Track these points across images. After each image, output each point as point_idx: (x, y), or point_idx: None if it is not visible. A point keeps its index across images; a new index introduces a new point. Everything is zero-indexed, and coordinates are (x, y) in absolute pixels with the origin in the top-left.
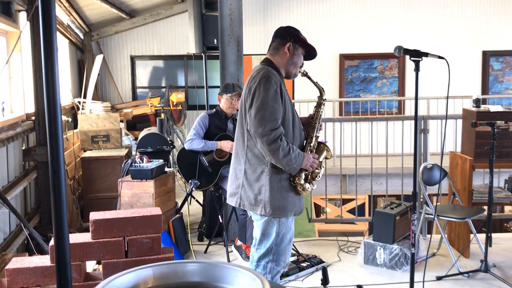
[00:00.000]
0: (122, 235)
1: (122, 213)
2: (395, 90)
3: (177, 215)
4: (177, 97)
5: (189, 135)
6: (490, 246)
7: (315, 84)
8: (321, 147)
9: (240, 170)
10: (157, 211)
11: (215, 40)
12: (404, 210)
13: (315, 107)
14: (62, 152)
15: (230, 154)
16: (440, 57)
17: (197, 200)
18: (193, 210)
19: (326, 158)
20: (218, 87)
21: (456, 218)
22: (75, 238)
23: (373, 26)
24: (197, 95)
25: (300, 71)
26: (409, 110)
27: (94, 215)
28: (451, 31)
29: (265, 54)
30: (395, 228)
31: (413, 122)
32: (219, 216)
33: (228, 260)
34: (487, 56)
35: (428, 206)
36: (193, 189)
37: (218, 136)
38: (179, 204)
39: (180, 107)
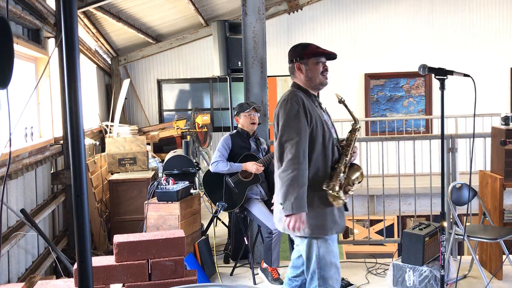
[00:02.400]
0: (145, 258)
1: (146, 236)
2: (422, 108)
3: (203, 237)
4: (202, 119)
5: (214, 158)
6: None
7: (351, 113)
8: (354, 167)
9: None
10: (180, 233)
11: (239, 63)
12: (433, 231)
13: (350, 132)
14: (85, 176)
15: (256, 174)
16: (465, 75)
17: (222, 222)
18: (219, 232)
19: (358, 180)
20: None
21: (487, 238)
22: (100, 261)
23: (398, 44)
24: (222, 117)
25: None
26: (436, 129)
27: (117, 238)
28: (478, 47)
29: (288, 75)
30: (424, 250)
31: (436, 141)
32: (245, 238)
33: (254, 283)
34: None
35: (457, 226)
36: (221, 211)
37: (242, 156)
38: (205, 226)
39: (205, 129)
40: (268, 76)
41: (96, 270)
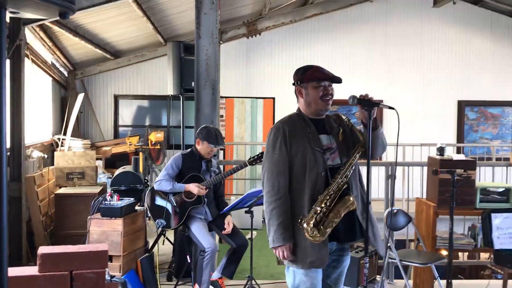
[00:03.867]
0: (68, 269)
1: (70, 248)
2: None
3: (146, 254)
4: (156, 136)
5: (160, 176)
6: None
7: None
8: (345, 198)
9: None
10: (104, 247)
11: (193, 83)
12: (369, 254)
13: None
14: (4, 184)
15: (199, 195)
16: (390, 108)
17: (168, 239)
18: (166, 249)
19: (349, 210)
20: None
21: (419, 263)
22: (23, 271)
23: (351, 73)
24: (179, 135)
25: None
26: (385, 157)
27: (42, 249)
28: (428, 80)
29: (246, 97)
30: (359, 272)
31: (383, 168)
32: (187, 256)
33: None
34: (462, 105)
35: (391, 251)
36: (160, 228)
37: (188, 177)
38: (151, 243)
39: (159, 147)
40: (226, 97)
41: (18, 280)
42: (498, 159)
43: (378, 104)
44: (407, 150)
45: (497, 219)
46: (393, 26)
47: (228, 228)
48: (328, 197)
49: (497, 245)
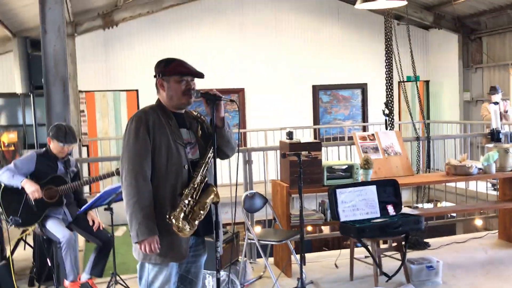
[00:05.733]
0: None
1: None
2: (237, 123)
3: (3, 262)
4: (8, 137)
5: (5, 167)
6: (304, 264)
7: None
8: (209, 189)
9: None
10: None
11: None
12: (229, 237)
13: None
14: None
15: (60, 197)
16: (231, 101)
17: (28, 243)
18: (28, 254)
19: (213, 202)
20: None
21: (275, 241)
22: None
23: (215, 62)
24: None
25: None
26: (249, 142)
27: None
28: (284, 67)
29: (107, 90)
30: (224, 255)
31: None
32: (48, 259)
33: None
34: (316, 89)
35: (250, 232)
36: (13, 226)
37: (49, 178)
38: (9, 250)
39: (13, 148)
40: (85, 91)
41: None
42: (350, 137)
43: (220, 97)
44: (269, 134)
45: (342, 194)
46: (249, 16)
47: (96, 224)
48: (193, 190)
49: (343, 218)
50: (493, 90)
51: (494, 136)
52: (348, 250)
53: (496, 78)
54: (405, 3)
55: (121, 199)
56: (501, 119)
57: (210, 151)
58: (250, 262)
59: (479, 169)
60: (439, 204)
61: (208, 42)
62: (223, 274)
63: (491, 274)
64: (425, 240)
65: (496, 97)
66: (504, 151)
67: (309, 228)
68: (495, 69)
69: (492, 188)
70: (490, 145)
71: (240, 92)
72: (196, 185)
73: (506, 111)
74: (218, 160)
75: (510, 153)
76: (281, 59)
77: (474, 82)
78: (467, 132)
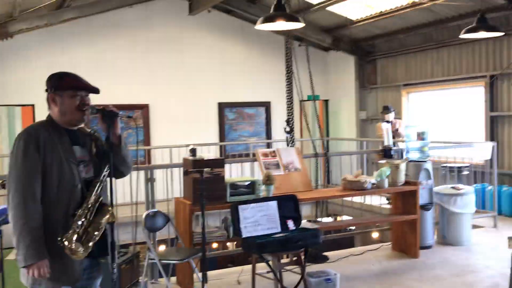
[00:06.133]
0: None
1: None
2: (141, 139)
3: None
4: None
5: None
6: (206, 282)
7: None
8: (104, 209)
9: None
10: None
11: None
12: (129, 257)
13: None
14: None
15: None
16: (129, 117)
17: None
18: None
19: (109, 222)
20: None
21: (176, 260)
22: None
23: (116, 78)
24: None
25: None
26: (153, 159)
27: None
28: (189, 84)
29: (1, 105)
30: (123, 276)
31: (142, 171)
32: None
33: None
34: (222, 107)
35: (150, 251)
36: None
37: None
38: None
39: None
40: None
41: None
42: (254, 154)
43: (117, 113)
44: (174, 151)
45: (244, 211)
46: (154, 32)
47: None
48: (87, 210)
49: (245, 234)
50: (386, 109)
51: (386, 153)
52: (251, 266)
53: (389, 98)
54: (303, 25)
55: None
56: (393, 137)
57: (105, 169)
58: (152, 283)
59: (373, 184)
60: (338, 218)
61: (111, 57)
62: None
63: (386, 283)
64: (324, 253)
65: (390, 116)
66: (395, 167)
67: (215, 245)
68: (388, 89)
69: (387, 202)
70: (383, 161)
71: (144, 108)
72: (90, 205)
73: (396, 130)
74: (126, 179)
75: (400, 169)
76: (186, 76)
77: (369, 102)
78: (363, 149)
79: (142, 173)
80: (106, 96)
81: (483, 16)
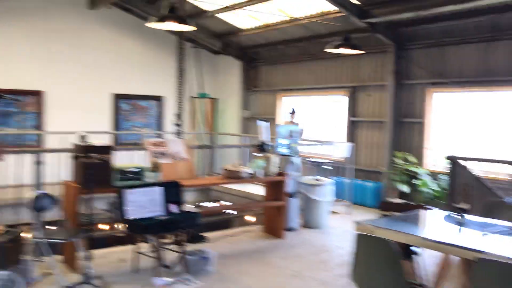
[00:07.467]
0: None
1: None
2: (34, 124)
3: None
4: None
5: None
6: (91, 260)
7: None
8: None
9: None
10: None
11: None
12: (14, 237)
13: None
14: None
15: None
16: (16, 100)
17: None
18: None
19: None
20: None
21: (61, 239)
22: None
23: (15, 63)
24: None
25: None
26: (47, 145)
27: None
28: (85, 74)
29: None
30: (7, 254)
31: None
32: None
33: None
34: (117, 98)
35: (36, 231)
36: None
37: None
38: None
39: None
40: None
41: None
42: None
43: (1, 95)
44: (67, 138)
45: (131, 195)
46: (53, 22)
47: None
48: None
49: (130, 216)
50: (293, 112)
51: (261, 147)
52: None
53: (268, 100)
54: (194, 28)
55: None
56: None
57: None
58: (37, 261)
59: (250, 174)
60: (221, 204)
61: (7, 43)
62: (5, 273)
63: (255, 260)
64: (204, 234)
65: (295, 117)
66: (268, 159)
67: (102, 227)
68: (267, 93)
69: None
70: (259, 155)
71: (38, 94)
72: None
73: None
74: (11, 160)
75: (272, 161)
76: (84, 67)
77: (252, 103)
78: (245, 143)
79: (29, 156)
80: (5, 79)
81: (348, 35)
